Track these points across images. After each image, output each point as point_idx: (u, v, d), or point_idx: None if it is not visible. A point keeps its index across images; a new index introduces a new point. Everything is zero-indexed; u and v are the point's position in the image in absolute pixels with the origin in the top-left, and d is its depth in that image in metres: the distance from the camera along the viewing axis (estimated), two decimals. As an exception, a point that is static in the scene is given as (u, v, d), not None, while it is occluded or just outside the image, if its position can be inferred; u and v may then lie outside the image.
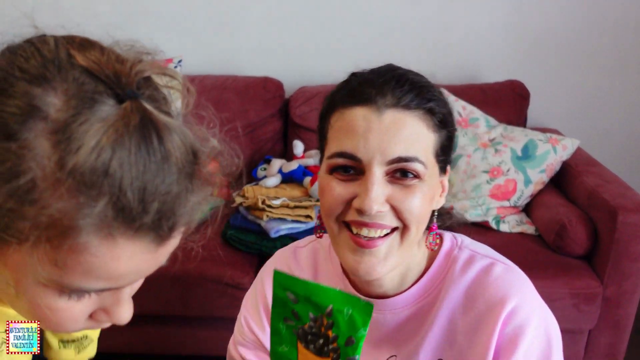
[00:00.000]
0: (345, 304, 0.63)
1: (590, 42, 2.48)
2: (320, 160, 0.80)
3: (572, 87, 2.53)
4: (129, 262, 0.50)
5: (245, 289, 1.75)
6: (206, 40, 2.49)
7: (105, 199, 0.46)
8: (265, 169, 2.16)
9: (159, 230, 0.49)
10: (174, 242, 0.53)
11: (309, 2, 2.46)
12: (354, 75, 0.79)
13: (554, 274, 1.80)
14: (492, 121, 2.19)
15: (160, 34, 2.46)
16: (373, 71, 0.78)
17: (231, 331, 1.89)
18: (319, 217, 0.81)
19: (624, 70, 2.51)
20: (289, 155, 2.32)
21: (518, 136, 2.10)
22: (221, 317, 1.84)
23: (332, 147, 0.75)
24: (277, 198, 1.93)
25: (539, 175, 2.03)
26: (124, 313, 0.57)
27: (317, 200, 1.78)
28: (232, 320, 1.81)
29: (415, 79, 0.76)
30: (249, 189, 2.00)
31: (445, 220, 0.89)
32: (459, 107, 2.18)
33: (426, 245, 0.82)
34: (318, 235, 0.85)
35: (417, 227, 0.75)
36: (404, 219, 0.73)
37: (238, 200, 1.98)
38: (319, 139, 0.81)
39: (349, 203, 0.73)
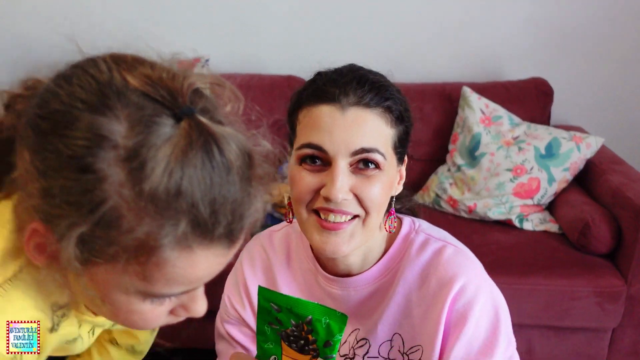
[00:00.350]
0: (322, 314, 0.72)
1: (614, 39, 2.46)
2: (290, 153, 0.86)
3: (596, 84, 2.52)
4: (206, 267, 0.55)
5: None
6: (231, 39, 2.53)
7: (182, 217, 0.49)
8: (289, 167, 2.19)
9: (230, 235, 0.54)
10: (241, 241, 0.57)
11: (332, 0, 2.48)
12: (319, 74, 0.87)
13: (578, 272, 1.80)
14: (516, 119, 2.19)
15: (187, 34, 2.50)
16: (336, 71, 0.86)
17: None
18: (289, 204, 0.87)
19: (650, 67, 2.49)
20: (313, 153, 2.35)
21: (542, 134, 2.10)
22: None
23: (300, 139, 0.82)
24: (301, 196, 1.96)
25: (562, 173, 2.03)
26: (200, 307, 0.62)
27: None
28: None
29: (375, 79, 0.83)
30: (275, 187, 2.03)
31: (404, 202, 0.97)
32: (482, 105, 2.18)
33: (385, 229, 0.89)
34: (289, 220, 0.91)
35: (378, 213, 0.83)
36: (365, 206, 0.81)
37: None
38: (289, 133, 0.87)
39: (317, 192, 0.81)
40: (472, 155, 2.13)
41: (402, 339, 0.89)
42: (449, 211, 2.14)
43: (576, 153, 2.04)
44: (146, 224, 0.49)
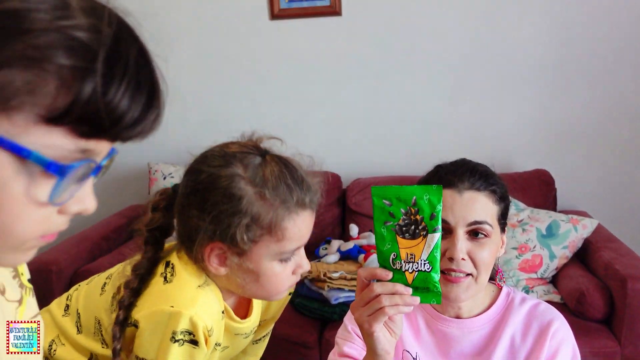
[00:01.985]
0: (423, 192, 0.89)
1: (609, 135, 2.80)
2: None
3: (595, 174, 2.84)
4: (305, 226, 0.97)
5: (310, 347, 2.12)
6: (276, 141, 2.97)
7: (288, 199, 0.93)
8: (326, 249, 2.54)
9: (312, 204, 0.96)
10: (311, 218, 0.99)
11: (362, 108, 2.90)
12: (440, 167, 1.14)
13: (576, 335, 2.02)
14: (521, 205, 2.53)
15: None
16: (453, 164, 1.13)
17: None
18: None
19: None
20: (346, 237, 2.71)
21: (543, 217, 2.43)
22: (290, 372, 2.19)
23: None
24: (336, 272, 2.29)
25: (562, 250, 2.34)
26: (307, 264, 1.04)
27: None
28: (300, 374, 2.13)
29: (482, 169, 1.11)
30: (312, 265, 2.38)
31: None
32: (491, 194, 2.53)
33: (496, 283, 1.19)
34: None
35: (486, 271, 1.07)
36: (477, 266, 1.05)
37: (303, 274, 2.36)
38: None
39: (443, 255, 1.03)
40: (483, 236, 2.45)
41: None
42: (466, 286, 2.44)
43: (574, 233, 2.35)
44: (272, 211, 0.94)
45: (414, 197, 0.89)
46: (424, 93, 2.88)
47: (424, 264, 0.89)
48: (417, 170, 1.20)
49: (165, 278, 1.03)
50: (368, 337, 0.94)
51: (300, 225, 0.98)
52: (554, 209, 2.71)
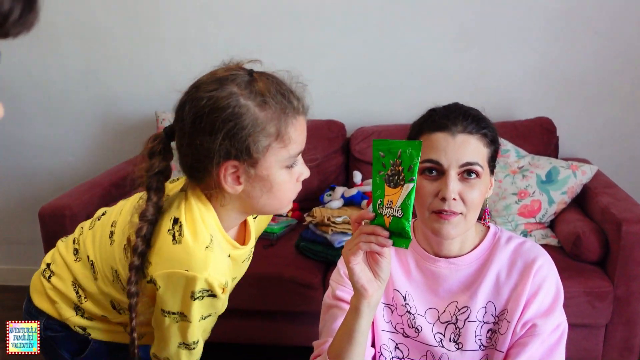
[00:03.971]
0: (407, 146, 0.96)
1: (611, 83, 2.81)
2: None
3: (597, 121, 2.86)
4: (302, 130, 1.05)
5: (314, 288, 2.20)
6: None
7: (287, 107, 1.01)
8: (330, 195, 2.61)
9: (304, 110, 1.05)
10: (305, 123, 1.08)
11: (365, 57, 2.91)
12: (433, 110, 1.18)
13: (571, 276, 2.13)
14: (522, 152, 2.57)
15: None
16: (446, 108, 1.16)
17: (304, 323, 2.32)
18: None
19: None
20: (349, 184, 2.77)
21: (543, 164, 2.47)
22: (294, 312, 2.29)
23: (422, 157, 1.07)
24: (339, 216, 2.36)
25: (561, 196, 2.39)
26: (307, 170, 1.11)
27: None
28: (303, 314, 2.25)
29: (474, 113, 1.15)
30: (317, 210, 2.44)
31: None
32: (493, 141, 2.57)
33: (482, 223, 1.24)
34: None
35: (475, 211, 1.13)
36: (467, 206, 1.10)
37: (308, 219, 2.42)
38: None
39: (434, 195, 1.10)
40: (484, 182, 2.50)
41: (495, 306, 1.17)
42: (466, 231, 2.50)
43: (573, 179, 2.40)
44: (276, 118, 1.01)
45: (400, 150, 0.96)
46: (427, 42, 2.88)
47: (397, 210, 0.96)
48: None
49: (173, 237, 1.07)
50: (348, 270, 1.02)
51: (299, 129, 1.06)
52: (556, 156, 2.74)
